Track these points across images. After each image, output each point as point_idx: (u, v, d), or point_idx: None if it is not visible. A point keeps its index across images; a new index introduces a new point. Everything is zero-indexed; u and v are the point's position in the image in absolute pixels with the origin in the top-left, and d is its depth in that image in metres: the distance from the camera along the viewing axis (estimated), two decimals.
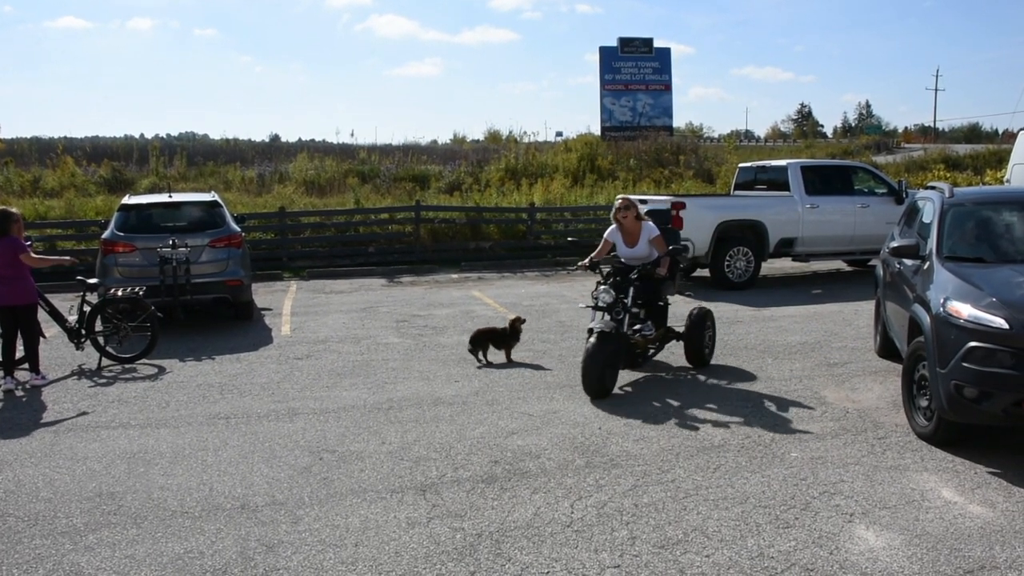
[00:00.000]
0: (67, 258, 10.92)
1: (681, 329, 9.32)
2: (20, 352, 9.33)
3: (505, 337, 9.68)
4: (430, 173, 29.27)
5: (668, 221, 10.60)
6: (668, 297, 9.06)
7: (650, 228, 8.84)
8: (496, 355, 9.69)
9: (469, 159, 32.45)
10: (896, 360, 9.29)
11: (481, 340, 9.64)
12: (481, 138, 54.94)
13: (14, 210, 9.18)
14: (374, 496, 5.70)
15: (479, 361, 9.55)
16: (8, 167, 28.02)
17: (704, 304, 10.71)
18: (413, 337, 11.22)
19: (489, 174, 28.33)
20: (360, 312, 13.38)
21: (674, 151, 32.45)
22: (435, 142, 55.00)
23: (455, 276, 18.03)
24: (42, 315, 9.43)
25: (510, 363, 9.52)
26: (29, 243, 9.41)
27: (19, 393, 8.73)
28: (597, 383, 7.93)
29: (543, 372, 9.16)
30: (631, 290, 8.47)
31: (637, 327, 8.65)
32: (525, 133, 46.22)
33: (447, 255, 20.03)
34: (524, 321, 9.98)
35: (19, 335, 9.10)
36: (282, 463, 6.40)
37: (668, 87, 36.67)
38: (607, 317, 8.23)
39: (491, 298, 14.58)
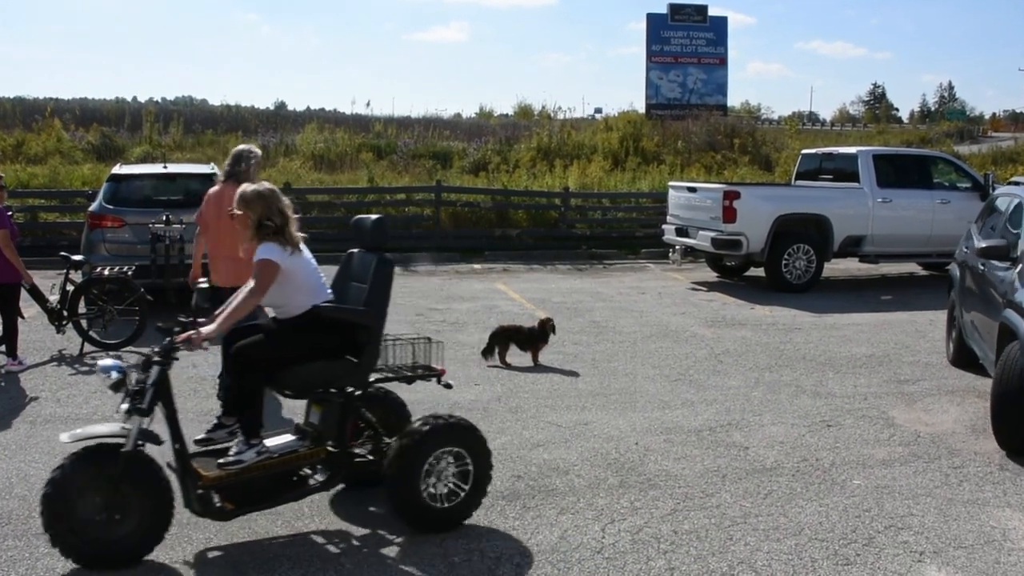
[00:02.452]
0: (26, 276, 9.48)
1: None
2: None
3: (532, 338, 9.66)
4: (453, 150, 29.28)
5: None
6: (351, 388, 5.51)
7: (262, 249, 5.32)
8: (520, 357, 9.67)
9: (496, 136, 32.40)
10: (974, 371, 9.22)
11: (501, 338, 9.63)
12: (510, 113, 55.00)
13: None
14: (382, 511, 5.69)
15: (493, 361, 9.56)
16: None
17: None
18: (430, 333, 11.15)
19: (519, 153, 28.28)
20: None
21: (728, 133, 32.24)
22: (459, 116, 55.13)
23: (478, 267, 18.03)
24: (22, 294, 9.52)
25: (536, 366, 9.51)
26: (10, 214, 9.50)
27: None
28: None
29: (574, 378, 9.13)
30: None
31: (219, 437, 5.93)
32: (560, 109, 46.34)
33: (469, 243, 20.02)
34: (554, 325, 9.94)
35: None
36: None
37: (723, 61, 36.44)
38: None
39: (517, 292, 14.57)
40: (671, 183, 17.62)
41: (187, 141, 30.44)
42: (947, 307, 10.42)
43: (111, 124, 32.45)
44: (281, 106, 60.25)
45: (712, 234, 14.88)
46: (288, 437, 5.50)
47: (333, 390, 5.44)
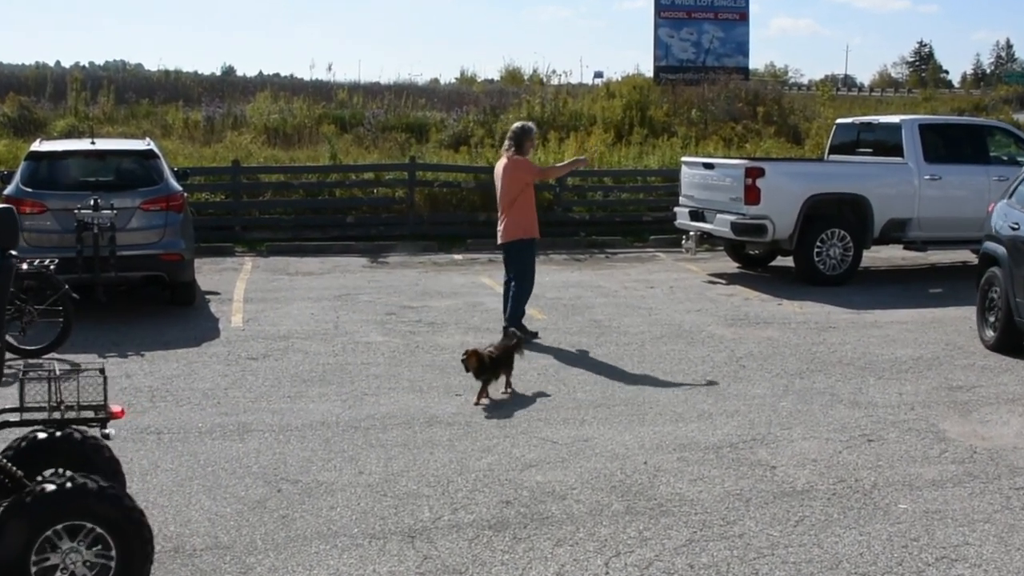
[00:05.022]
0: None
1: None
2: None
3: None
4: (429, 122, 29.24)
5: None
6: None
7: None
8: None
9: (480, 105, 32.34)
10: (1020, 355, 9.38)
11: (492, 366, 8.71)
12: (496, 78, 54.92)
13: None
14: (347, 542, 5.69)
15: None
16: None
17: None
18: (402, 335, 11.22)
19: (506, 124, 28.17)
20: (334, 300, 13.38)
21: (750, 100, 32.25)
22: (436, 82, 54.99)
23: (458, 257, 18.03)
24: None
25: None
26: None
27: None
28: None
29: (571, 387, 9.13)
30: None
31: None
32: (554, 72, 46.26)
33: (449, 229, 19.99)
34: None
35: None
36: (228, 494, 6.41)
37: (744, 16, 36.46)
38: None
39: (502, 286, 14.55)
40: (684, 159, 17.62)
41: (119, 113, 30.30)
42: (979, 288, 11.06)
43: (30, 93, 32.31)
44: (229, 71, 60.07)
45: (732, 218, 14.88)
46: None
47: None
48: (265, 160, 22.72)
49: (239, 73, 59.13)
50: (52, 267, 10.24)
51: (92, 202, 11.68)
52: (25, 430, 5.29)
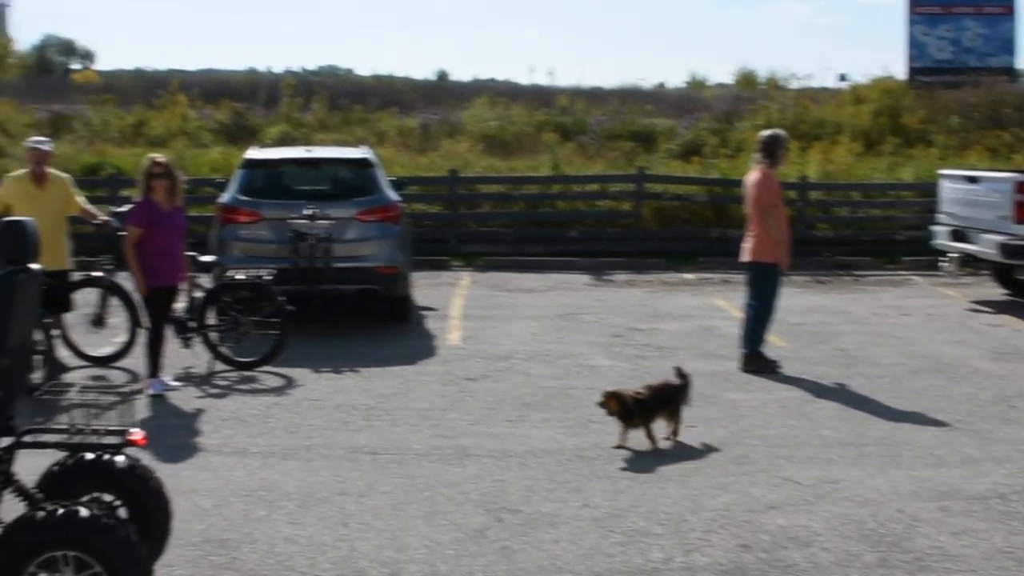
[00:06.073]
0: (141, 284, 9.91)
1: None
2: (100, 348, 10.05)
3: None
4: (657, 129, 29.19)
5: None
6: None
7: None
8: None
9: (712, 111, 32.13)
10: None
11: (639, 410, 8.23)
12: (729, 82, 54.34)
13: (160, 158, 10.00)
14: None
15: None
16: (106, 107, 30.10)
17: None
18: (630, 359, 11.25)
19: (741, 133, 27.91)
20: (556, 320, 13.53)
21: (1019, 105, 30.92)
22: (662, 86, 54.82)
23: (690, 276, 17.94)
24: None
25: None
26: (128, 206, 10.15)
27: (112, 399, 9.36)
28: None
29: (815, 422, 8.97)
30: None
31: None
32: (793, 75, 45.10)
33: (679, 245, 19.92)
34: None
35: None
36: (446, 521, 6.57)
37: (1010, 10, 34.98)
38: None
39: (740, 309, 14.38)
40: (943, 172, 17.05)
41: (332, 119, 31.31)
42: None
43: (243, 99, 33.82)
44: (442, 76, 61.64)
45: (1000, 238, 14.30)
46: None
47: None
48: (483, 169, 23.11)
49: (453, 78, 60.57)
50: (268, 278, 10.79)
51: (308, 212, 12.15)
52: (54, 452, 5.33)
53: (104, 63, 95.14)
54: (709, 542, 6.29)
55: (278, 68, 59.05)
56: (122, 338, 10.82)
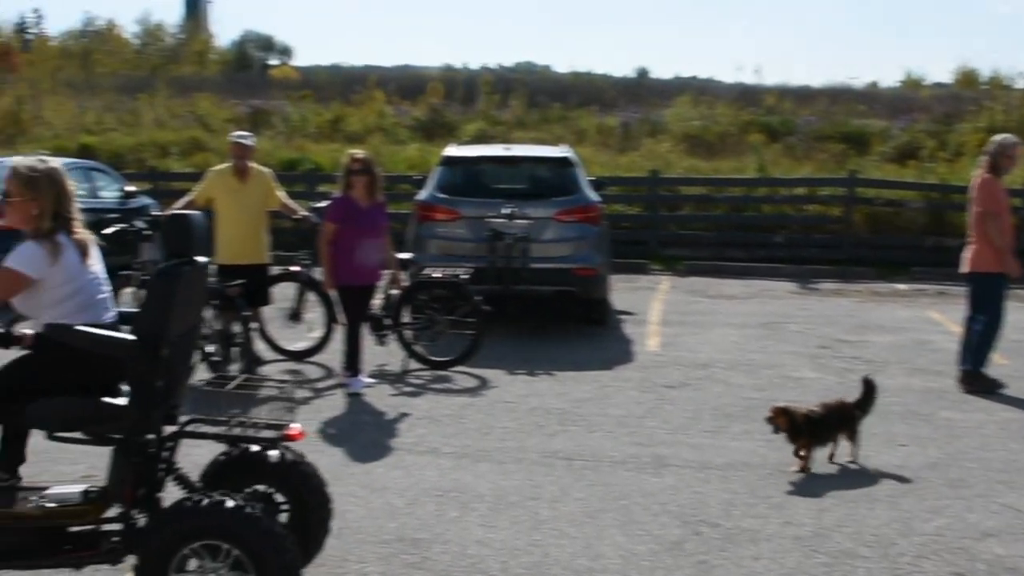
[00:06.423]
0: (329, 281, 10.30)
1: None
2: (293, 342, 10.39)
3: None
4: (869, 131, 28.50)
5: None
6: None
7: None
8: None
9: (930, 112, 31.20)
10: None
11: (811, 429, 7.93)
12: (948, 81, 52.64)
13: (360, 154, 10.26)
14: None
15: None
16: (304, 103, 31.11)
17: None
18: (837, 372, 11.03)
19: (961, 135, 27.07)
20: (759, 328, 13.37)
21: None
22: (875, 85, 53.44)
23: (902, 287, 17.51)
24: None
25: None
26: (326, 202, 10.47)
27: (306, 394, 9.70)
28: None
29: None
30: None
31: None
32: (1019, 75, 43.39)
33: (891, 254, 19.48)
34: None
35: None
36: (642, 531, 6.57)
37: None
38: None
39: (957, 323, 13.94)
40: None
41: (530, 117, 31.64)
42: None
43: (439, 96, 34.44)
44: (643, 73, 61.50)
45: None
46: (78, 488, 5.41)
47: (117, 436, 5.21)
48: (685, 170, 23.05)
49: (653, 76, 60.33)
50: (464, 277, 10.96)
51: (506, 211, 12.32)
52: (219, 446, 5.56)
53: (301, 59, 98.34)
54: (920, 568, 6.12)
55: (474, 64, 59.97)
56: (318, 333, 11.16)
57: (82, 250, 5.32)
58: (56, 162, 5.37)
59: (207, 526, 4.84)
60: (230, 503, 4.86)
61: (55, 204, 5.21)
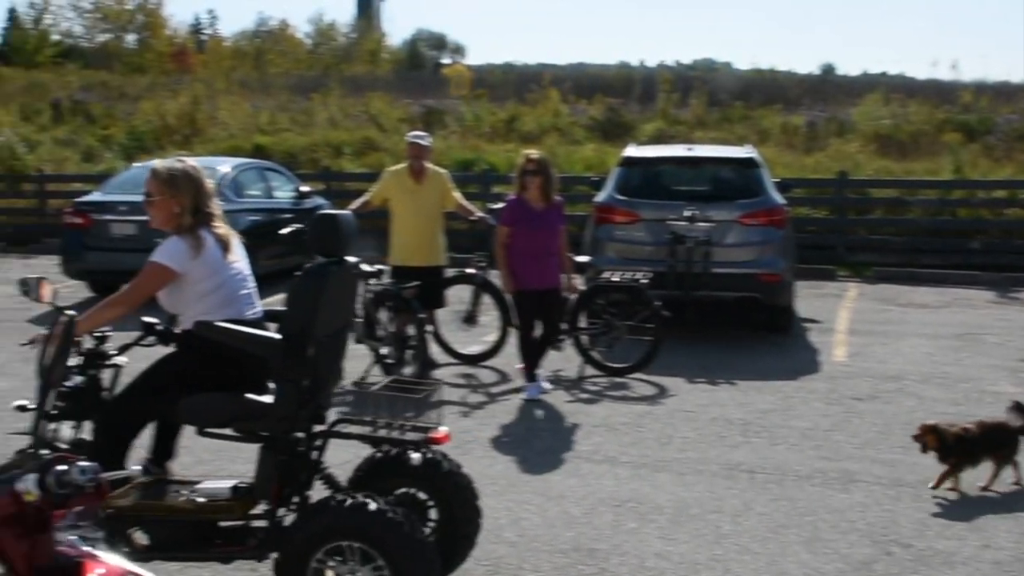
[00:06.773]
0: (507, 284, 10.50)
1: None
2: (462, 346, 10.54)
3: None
4: None
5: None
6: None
7: None
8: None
9: None
10: None
11: (962, 448, 7.58)
12: None
13: (534, 154, 10.25)
14: None
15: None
16: (479, 102, 31.45)
17: None
18: None
19: None
20: (953, 339, 13.03)
21: None
22: None
23: None
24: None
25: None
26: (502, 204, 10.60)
27: (480, 399, 9.85)
28: None
29: None
30: None
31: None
32: None
33: None
34: None
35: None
36: (829, 550, 6.50)
37: None
38: None
39: None
40: None
41: (710, 116, 31.41)
42: None
43: (616, 95, 34.44)
44: (828, 70, 60.40)
45: None
46: (227, 484, 5.57)
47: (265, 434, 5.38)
48: (875, 172, 22.57)
49: (840, 72, 59.22)
50: (644, 282, 10.95)
51: (688, 214, 12.25)
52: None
53: (474, 57, 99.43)
54: None
55: (650, 62, 59.76)
56: (492, 337, 11.30)
57: (224, 245, 5.59)
58: (193, 161, 5.68)
59: (347, 527, 4.98)
60: (372, 505, 4.98)
61: (195, 200, 5.51)
